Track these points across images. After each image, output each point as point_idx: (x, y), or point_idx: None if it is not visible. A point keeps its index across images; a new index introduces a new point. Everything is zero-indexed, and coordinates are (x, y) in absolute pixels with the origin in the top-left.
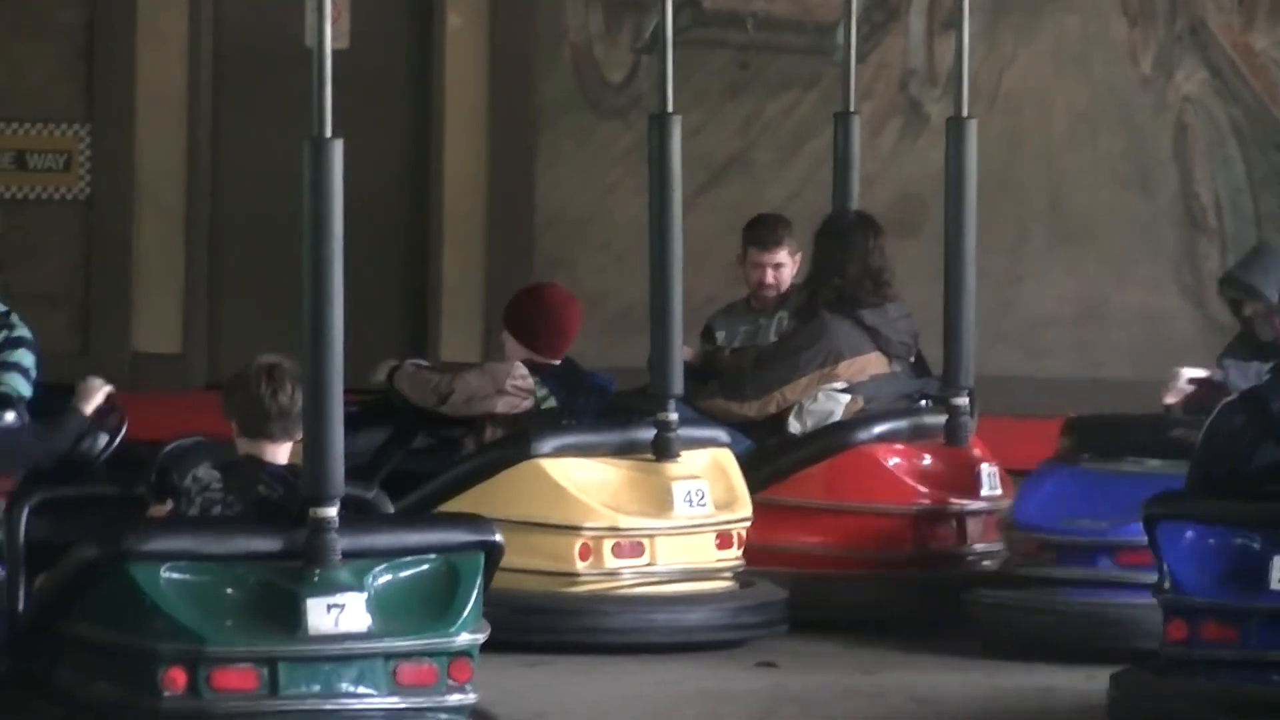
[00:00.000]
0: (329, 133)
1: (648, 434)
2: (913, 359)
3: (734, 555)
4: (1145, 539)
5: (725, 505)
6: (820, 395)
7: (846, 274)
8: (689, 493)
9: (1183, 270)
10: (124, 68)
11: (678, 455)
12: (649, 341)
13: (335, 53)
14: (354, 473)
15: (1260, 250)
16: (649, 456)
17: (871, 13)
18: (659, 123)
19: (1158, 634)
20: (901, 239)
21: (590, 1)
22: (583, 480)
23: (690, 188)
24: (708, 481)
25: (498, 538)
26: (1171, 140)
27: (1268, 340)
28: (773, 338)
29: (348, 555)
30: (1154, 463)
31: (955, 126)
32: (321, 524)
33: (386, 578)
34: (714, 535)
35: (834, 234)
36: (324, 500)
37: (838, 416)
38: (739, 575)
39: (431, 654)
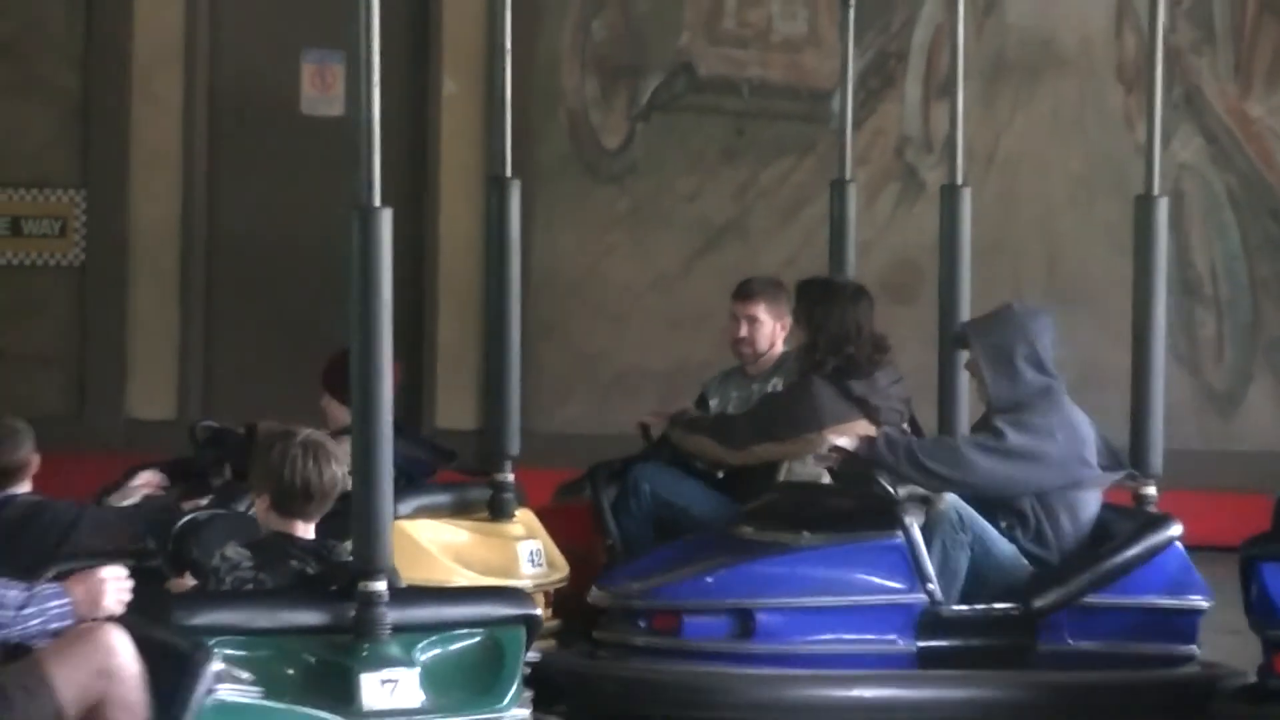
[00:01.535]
0: (377, 201)
1: (483, 494)
2: (906, 425)
3: (549, 615)
4: (674, 603)
5: (553, 565)
6: (810, 459)
7: (860, 341)
8: (531, 553)
9: (1178, 337)
10: (119, 132)
11: (512, 515)
12: (643, 404)
13: (331, 119)
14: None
15: (999, 310)
16: (484, 515)
17: (867, 79)
18: (497, 185)
19: (686, 700)
20: (897, 305)
21: (586, 67)
22: (443, 542)
23: (686, 252)
24: (540, 542)
25: (538, 611)
26: (1167, 207)
27: (984, 400)
28: None
29: (394, 629)
30: (806, 535)
31: (950, 194)
32: (372, 597)
33: (433, 652)
34: (542, 595)
35: (841, 300)
36: (374, 574)
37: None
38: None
39: None
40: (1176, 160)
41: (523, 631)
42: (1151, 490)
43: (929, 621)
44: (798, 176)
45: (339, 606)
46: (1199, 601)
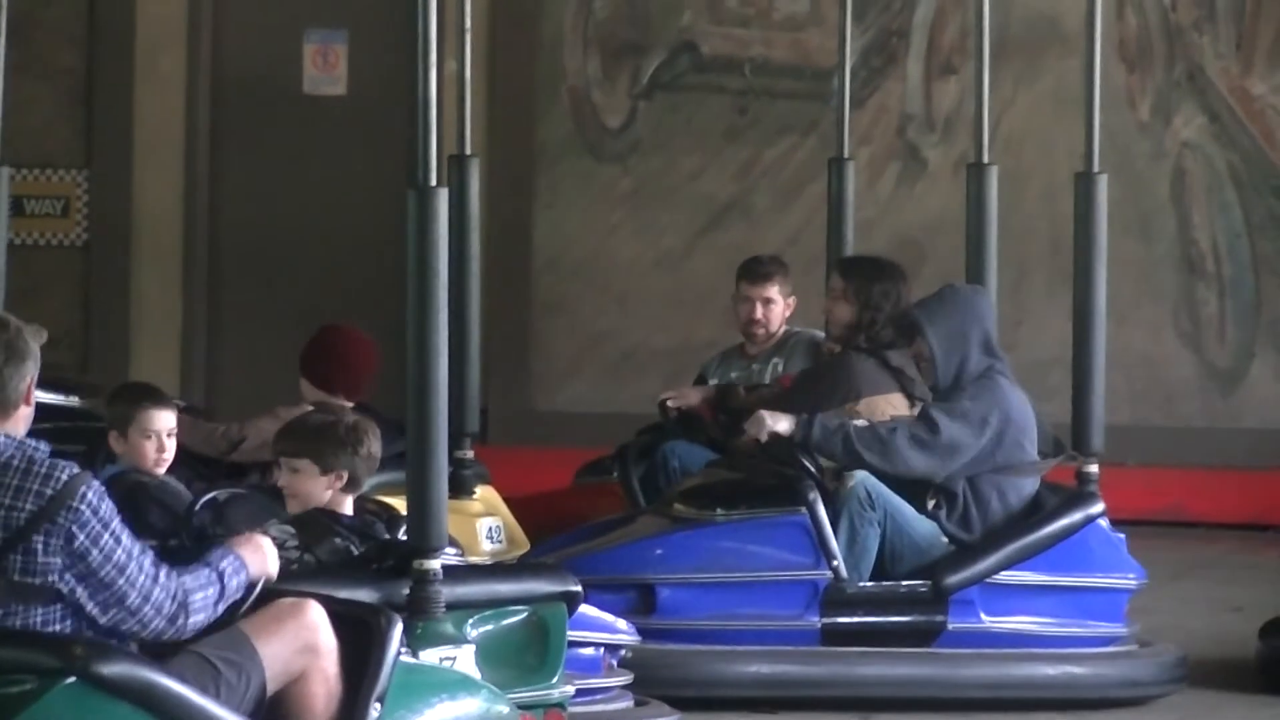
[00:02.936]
0: (434, 181)
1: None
2: None
3: None
4: (578, 577)
5: (513, 542)
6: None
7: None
8: (490, 529)
9: (1180, 315)
10: (122, 112)
11: (473, 492)
12: (649, 382)
13: (333, 99)
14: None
15: (942, 292)
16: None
17: (869, 58)
18: (456, 164)
19: None
20: None
21: (589, 47)
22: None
23: (690, 231)
24: (501, 519)
25: (578, 588)
26: (1169, 185)
27: (930, 384)
28: (767, 382)
29: (445, 607)
30: (720, 512)
31: (976, 172)
32: (427, 576)
33: (482, 629)
34: None
35: (890, 278)
36: (429, 552)
37: None
38: None
39: (532, 706)
40: (1179, 138)
41: (564, 608)
42: (1093, 468)
43: (834, 598)
44: (800, 155)
45: (391, 585)
46: (1123, 580)
